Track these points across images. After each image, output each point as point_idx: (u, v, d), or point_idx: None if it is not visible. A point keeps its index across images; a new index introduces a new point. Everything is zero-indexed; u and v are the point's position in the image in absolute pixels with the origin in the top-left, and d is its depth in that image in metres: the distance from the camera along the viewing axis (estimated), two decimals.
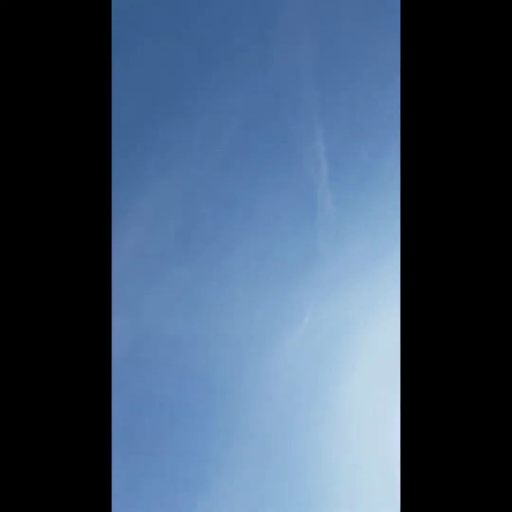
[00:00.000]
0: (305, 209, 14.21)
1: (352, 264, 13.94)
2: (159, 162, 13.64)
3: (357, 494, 12.58)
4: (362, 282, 13.80)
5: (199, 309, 13.19)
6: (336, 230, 14.08)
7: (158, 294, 13.23)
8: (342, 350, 13.25)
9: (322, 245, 14.07)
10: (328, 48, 13.54)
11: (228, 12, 13.30)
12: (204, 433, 12.66)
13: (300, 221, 14.23)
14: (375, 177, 13.68)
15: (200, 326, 13.02)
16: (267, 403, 12.71)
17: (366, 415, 12.78)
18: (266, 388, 12.78)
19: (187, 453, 12.54)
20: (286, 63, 13.56)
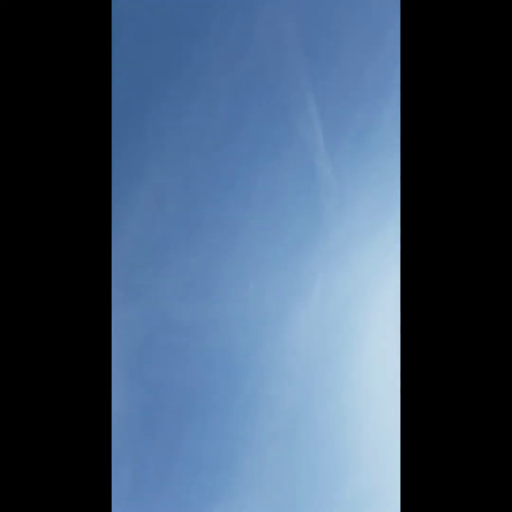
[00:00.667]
0: (305, 179, 14.04)
1: (358, 229, 13.82)
2: (152, 149, 13.48)
3: (382, 455, 12.72)
4: (369, 245, 13.71)
5: (210, 293, 13.19)
6: (338, 197, 13.93)
7: (168, 282, 13.24)
8: (355, 315, 13.24)
9: (326, 214, 13.94)
10: (312, 14, 13.17)
11: None
12: (227, 413, 12.79)
13: (301, 192, 14.09)
14: (373, 139, 13.45)
15: (213, 309, 13.04)
16: (287, 378, 12.78)
17: (385, 378, 12.82)
18: (283, 363, 12.84)
19: (212, 434, 12.69)
20: (271, 33, 13.24)
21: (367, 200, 13.69)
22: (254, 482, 12.52)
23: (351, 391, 12.87)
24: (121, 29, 12.68)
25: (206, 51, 13.28)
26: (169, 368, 12.78)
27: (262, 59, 13.21)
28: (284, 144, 13.88)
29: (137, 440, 12.56)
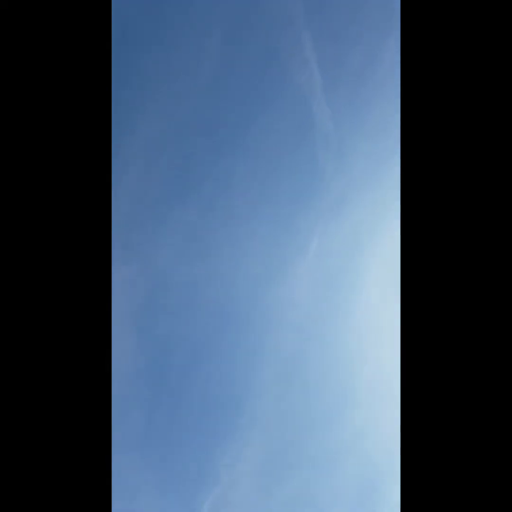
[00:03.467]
0: (302, 127, 13.56)
1: (356, 179, 13.59)
2: (142, 96, 12.93)
3: (378, 397, 13.52)
4: (367, 195, 13.56)
5: (209, 249, 13.31)
6: (336, 145, 13.53)
7: (166, 239, 13.32)
8: (353, 267, 13.43)
9: (323, 164, 13.64)
10: None
11: None
12: (230, 361, 13.45)
13: (298, 141, 13.67)
14: (371, 83, 12.79)
15: (212, 265, 13.24)
16: (286, 328, 13.28)
17: (380, 327, 13.29)
18: (283, 314, 13.26)
19: (216, 380, 13.45)
20: None
21: (366, 148, 13.31)
22: (256, 421, 13.47)
23: (349, 338, 13.42)
24: None
25: None
26: (172, 322, 13.27)
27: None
28: (280, 88, 13.25)
29: (148, 387, 13.37)
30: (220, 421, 13.47)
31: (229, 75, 13.15)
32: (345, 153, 13.50)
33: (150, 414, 13.31)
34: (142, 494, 12.73)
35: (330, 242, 13.41)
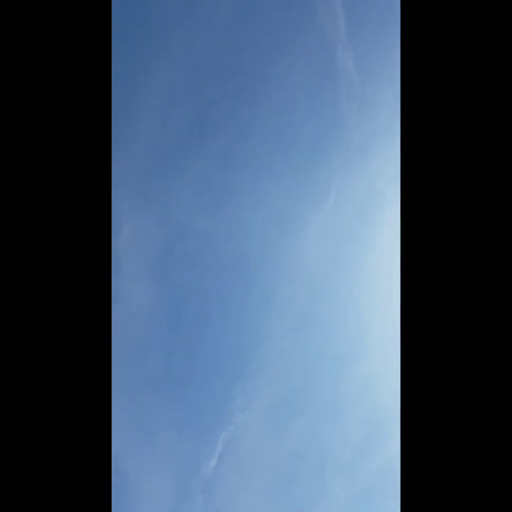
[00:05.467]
0: (325, 74, 12.84)
1: (379, 131, 13.04)
2: (157, 43, 12.32)
3: (388, 345, 13.87)
4: (389, 149, 13.07)
5: (225, 200, 13.24)
6: (360, 95, 12.85)
7: (182, 189, 13.26)
8: (369, 222, 13.28)
9: (346, 113, 13.06)
10: None
11: None
12: (243, 311, 13.84)
13: (320, 88, 13.00)
14: (397, 28, 11.84)
15: (228, 216, 13.24)
16: (299, 281, 13.45)
17: (391, 282, 13.35)
18: (296, 268, 13.38)
19: (230, 329, 13.94)
20: None
21: (391, 97, 12.63)
22: (267, 369, 14.09)
23: (359, 293, 13.57)
24: None
25: None
26: (188, 272, 13.55)
27: None
28: (301, 33, 12.40)
29: (165, 333, 13.97)
30: (233, 367, 14.11)
31: (247, 16, 12.34)
32: (368, 102, 12.86)
33: (167, 357, 14.01)
34: (161, 431, 13.72)
35: (347, 196, 13.18)
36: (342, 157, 13.11)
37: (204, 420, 13.81)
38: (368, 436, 13.86)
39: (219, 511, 13.63)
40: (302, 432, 13.87)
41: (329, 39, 12.49)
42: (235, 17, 12.40)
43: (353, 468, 13.92)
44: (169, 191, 13.25)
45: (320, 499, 13.84)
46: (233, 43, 12.62)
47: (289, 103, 13.04)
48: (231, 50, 12.68)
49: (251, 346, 13.95)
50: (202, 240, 13.38)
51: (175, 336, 14.00)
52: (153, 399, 13.78)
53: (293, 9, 12.28)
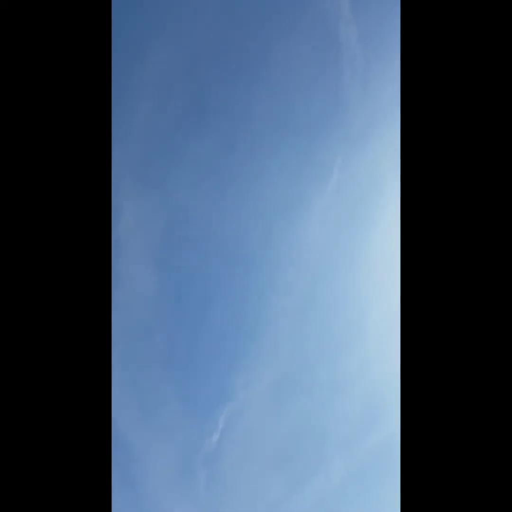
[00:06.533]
0: (327, 49, 12.33)
1: (382, 110, 12.60)
2: (153, 24, 11.93)
3: (388, 327, 13.92)
4: (393, 128, 12.66)
5: (226, 183, 13.11)
6: (363, 71, 12.35)
7: (183, 172, 13.16)
8: (371, 204, 13.06)
9: (348, 91, 12.61)
10: None
11: None
12: (245, 293, 13.96)
13: (322, 65, 12.53)
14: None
15: (229, 200, 13.15)
16: (300, 265, 13.45)
17: (392, 267, 13.23)
18: (297, 251, 13.34)
19: (232, 311, 14.11)
20: None
21: (393, 75, 12.11)
22: (268, 349, 14.32)
23: (360, 278, 13.51)
24: None
25: None
26: (190, 256, 13.64)
27: None
28: (303, 8, 11.83)
29: (167, 315, 14.24)
30: (234, 346, 14.38)
31: None
32: (372, 79, 12.38)
33: (171, 337, 14.32)
34: (165, 406, 14.22)
35: (350, 177, 12.92)
36: (345, 136, 12.78)
37: (206, 397, 14.23)
38: (368, 415, 14.14)
39: (221, 483, 14.23)
40: (302, 409, 14.21)
41: (332, 14, 11.93)
42: None
43: (352, 444, 14.30)
44: (169, 174, 13.18)
45: (319, 472, 14.34)
46: (232, 20, 12.17)
47: (291, 81, 12.65)
48: (230, 29, 12.24)
49: (252, 327, 14.15)
50: (204, 224, 13.38)
51: (177, 318, 14.27)
52: (158, 376, 14.21)
53: None
